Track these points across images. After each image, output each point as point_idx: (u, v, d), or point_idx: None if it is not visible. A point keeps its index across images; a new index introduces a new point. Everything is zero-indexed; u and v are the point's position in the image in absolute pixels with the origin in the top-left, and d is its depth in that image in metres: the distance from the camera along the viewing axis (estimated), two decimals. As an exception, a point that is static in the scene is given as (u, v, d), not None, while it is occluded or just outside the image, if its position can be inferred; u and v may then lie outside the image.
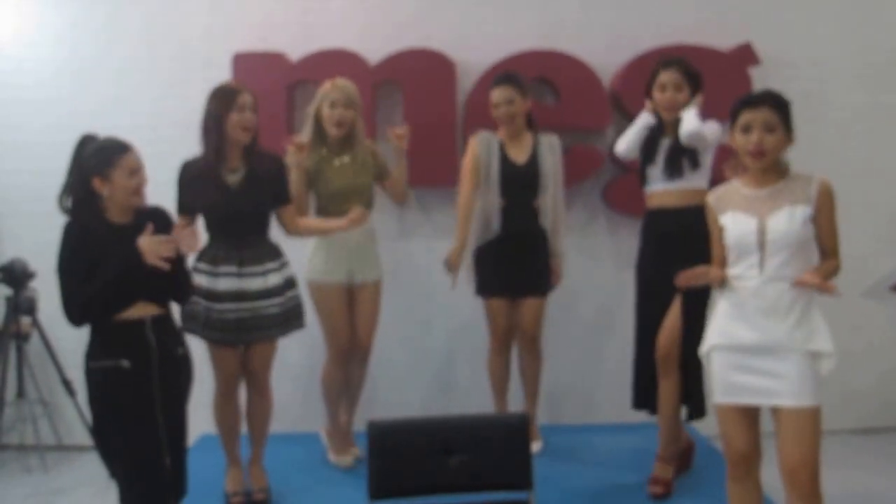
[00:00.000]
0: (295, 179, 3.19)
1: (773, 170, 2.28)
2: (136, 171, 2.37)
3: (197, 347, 3.07)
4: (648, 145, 3.07)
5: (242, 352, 3.05)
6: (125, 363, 2.30)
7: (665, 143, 3.04)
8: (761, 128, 2.21)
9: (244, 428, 3.19)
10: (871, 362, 4.10)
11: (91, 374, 2.34)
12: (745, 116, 2.24)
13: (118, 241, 2.32)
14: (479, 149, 3.41)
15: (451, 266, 3.34)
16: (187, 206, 2.95)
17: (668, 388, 3.07)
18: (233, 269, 2.92)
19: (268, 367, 3.10)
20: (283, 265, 3.07)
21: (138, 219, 2.39)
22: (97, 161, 2.33)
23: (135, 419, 2.31)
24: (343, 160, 3.31)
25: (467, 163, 3.45)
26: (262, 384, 3.11)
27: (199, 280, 2.93)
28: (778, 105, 2.24)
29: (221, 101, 2.89)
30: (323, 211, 3.34)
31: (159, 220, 2.42)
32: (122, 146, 2.37)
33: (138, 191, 2.37)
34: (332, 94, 3.26)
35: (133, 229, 2.35)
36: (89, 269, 2.28)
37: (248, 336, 2.98)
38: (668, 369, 3.05)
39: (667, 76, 3.00)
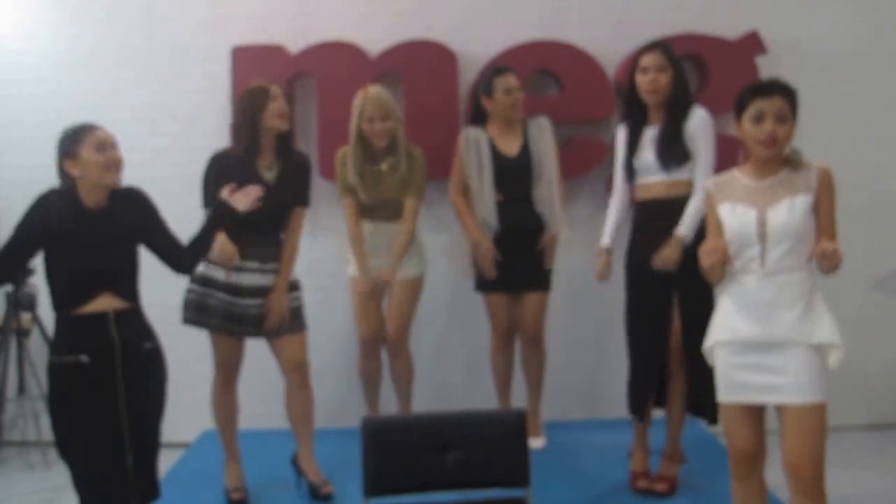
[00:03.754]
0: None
1: (775, 160, 2.21)
2: (106, 145, 2.29)
3: (195, 346, 3.05)
4: (633, 137, 2.99)
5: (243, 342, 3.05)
6: (84, 358, 2.24)
7: (650, 134, 2.95)
8: (774, 118, 2.15)
9: (254, 424, 3.16)
10: (884, 356, 4.03)
11: (51, 369, 2.28)
12: (758, 105, 2.16)
13: (91, 226, 2.27)
14: (464, 150, 3.42)
15: (485, 262, 3.39)
16: (211, 199, 2.88)
17: (677, 385, 3.02)
18: (255, 264, 2.94)
19: (306, 357, 3.06)
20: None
21: (113, 201, 2.33)
22: (64, 142, 2.29)
23: (94, 416, 2.24)
24: (381, 167, 3.33)
25: (454, 165, 3.47)
26: (304, 375, 3.05)
27: (218, 273, 2.91)
28: (789, 94, 2.19)
29: (256, 97, 2.90)
30: (362, 214, 3.40)
31: (134, 201, 2.38)
32: (90, 125, 2.32)
33: (110, 166, 2.29)
34: (368, 109, 3.24)
35: (107, 213, 2.30)
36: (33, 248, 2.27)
37: (267, 329, 2.97)
38: (675, 367, 2.99)
39: (648, 59, 2.91)
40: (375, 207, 3.37)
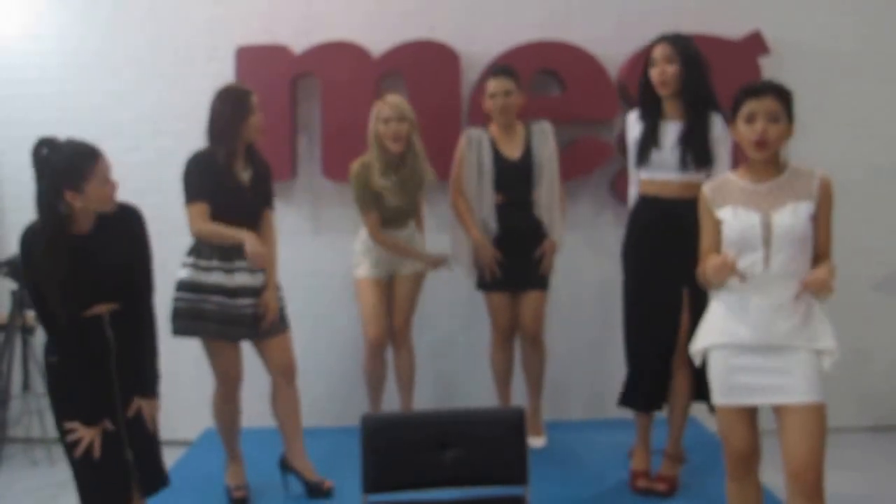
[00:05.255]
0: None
1: (772, 163, 2.22)
2: (108, 175, 2.25)
3: (197, 345, 3.06)
4: (650, 129, 2.96)
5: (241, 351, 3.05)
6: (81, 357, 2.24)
7: (671, 128, 2.93)
8: (765, 118, 2.15)
9: (254, 423, 3.17)
10: (886, 358, 4.02)
11: (49, 368, 2.28)
12: (749, 106, 2.18)
13: (80, 253, 2.22)
14: (465, 150, 3.43)
15: (487, 263, 3.41)
16: (202, 194, 2.88)
17: (681, 383, 3.02)
18: (245, 263, 2.93)
19: (294, 358, 3.09)
20: None
21: (102, 223, 2.28)
22: (70, 173, 2.18)
23: (91, 412, 2.25)
24: (403, 174, 3.35)
25: (455, 165, 3.47)
26: (291, 376, 3.08)
27: (213, 277, 2.90)
28: (781, 95, 2.19)
29: (238, 105, 2.90)
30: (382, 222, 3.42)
31: (127, 221, 2.34)
32: (93, 153, 2.22)
33: (111, 198, 2.26)
34: (384, 110, 3.31)
35: (96, 235, 2.26)
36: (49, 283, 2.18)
37: (260, 330, 2.98)
38: (680, 365, 2.99)
39: (657, 51, 2.92)
40: (392, 216, 3.39)
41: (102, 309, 2.27)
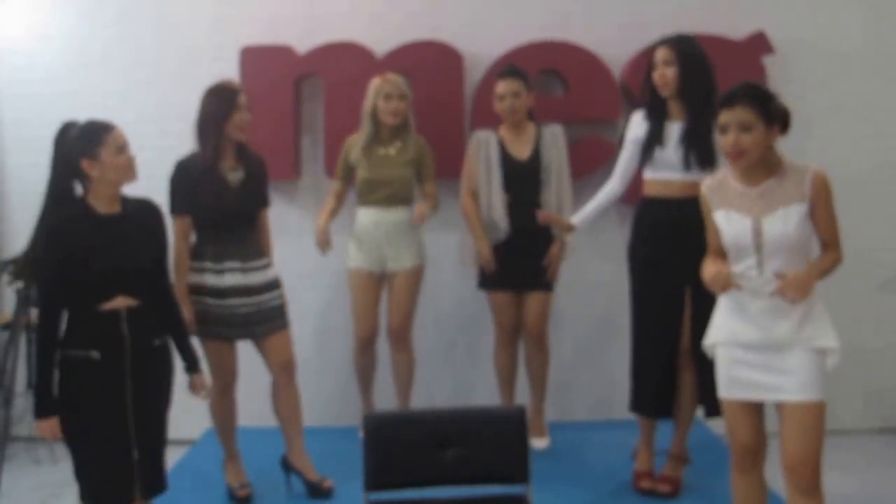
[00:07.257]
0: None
1: (763, 166, 2.19)
2: (124, 147, 2.31)
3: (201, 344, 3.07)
4: (655, 130, 2.97)
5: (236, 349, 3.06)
6: (94, 354, 2.25)
7: (675, 129, 2.93)
8: (736, 128, 2.13)
9: (254, 422, 3.18)
10: (892, 359, 4.00)
11: (62, 363, 2.29)
12: (723, 117, 2.16)
13: (104, 233, 2.28)
14: (473, 152, 3.46)
15: (487, 264, 3.42)
16: (184, 206, 2.95)
17: (686, 384, 3.01)
18: (237, 264, 2.95)
19: (293, 355, 3.10)
20: (271, 263, 3.11)
21: (126, 209, 2.34)
22: (84, 141, 2.27)
23: (101, 409, 2.26)
24: (388, 150, 3.45)
25: (465, 168, 3.50)
26: (291, 373, 3.09)
27: (204, 278, 2.93)
28: (754, 100, 2.13)
29: (224, 102, 2.93)
30: (360, 195, 3.48)
31: (148, 213, 2.40)
32: (106, 124, 2.33)
33: (129, 168, 2.32)
34: (386, 87, 3.41)
35: (120, 220, 2.32)
36: (66, 263, 2.23)
37: (255, 330, 3.00)
38: (685, 365, 2.98)
39: (657, 54, 2.93)
40: (375, 187, 3.41)
41: (120, 304, 2.28)
